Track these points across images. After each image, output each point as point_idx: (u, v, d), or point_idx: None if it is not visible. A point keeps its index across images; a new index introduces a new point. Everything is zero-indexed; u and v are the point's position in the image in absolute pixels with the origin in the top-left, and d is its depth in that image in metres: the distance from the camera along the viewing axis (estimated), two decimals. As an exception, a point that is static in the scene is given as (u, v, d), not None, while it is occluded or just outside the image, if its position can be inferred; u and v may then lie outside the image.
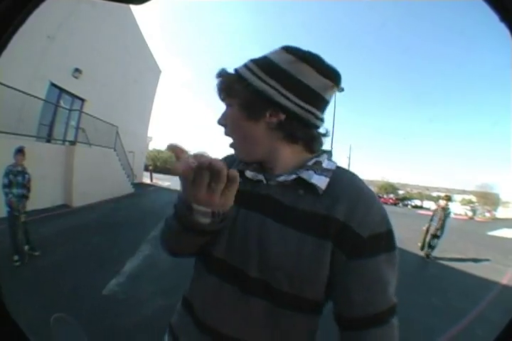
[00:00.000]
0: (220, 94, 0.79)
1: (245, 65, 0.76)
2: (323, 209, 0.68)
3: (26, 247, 4.53)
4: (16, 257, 4.24)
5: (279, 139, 0.76)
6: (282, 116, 0.71)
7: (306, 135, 0.76)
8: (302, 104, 0.71)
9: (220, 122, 0.80)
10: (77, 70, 10.61)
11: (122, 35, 13.77)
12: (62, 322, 1.04)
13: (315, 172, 0.71)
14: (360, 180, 0.75)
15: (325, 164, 0.75)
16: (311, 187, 0.70)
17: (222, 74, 0.78)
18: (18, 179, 4.38)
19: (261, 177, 0.77)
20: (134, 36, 15.52)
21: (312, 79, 0.70)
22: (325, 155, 0.78)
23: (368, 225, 0.66)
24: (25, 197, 4.48)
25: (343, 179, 0.73)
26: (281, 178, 0.73)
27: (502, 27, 0.39)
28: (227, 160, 0.91)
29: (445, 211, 7.91)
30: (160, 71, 20.99)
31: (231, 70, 0.77)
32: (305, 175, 0.71)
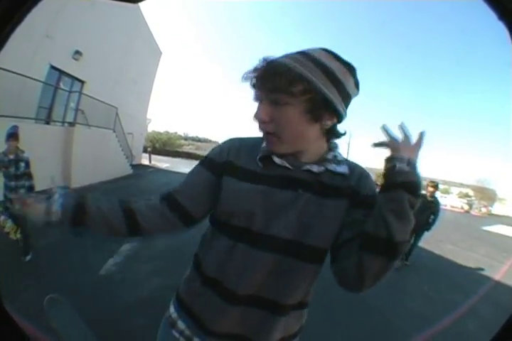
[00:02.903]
0: (271, 87, 0.78)
1: (303, 64, 0.78)
2: (343, 182, 0.89)
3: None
4: (28, 257, 3.84)
5: (323, 135, 0.90)
6: (335, 121, 0.86)
7: (341, 135, 0.95)
8: (345, 110, 0.86)
9: (263, 119, 0.82)
10: (77, 52, 10.45)
11: (123, 16, 13.49)
12: (56, 303, 1.06)
13: (336, 165, 0.90)
14: (359, 165, 0.98)
15: (339, 157, 0.93)
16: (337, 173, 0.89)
17: (275, 66, 0.78)
18: (11, 171, 3.72)
19: (286, 164, 0.87)
20: (134, 18, 15.23)
21: (352, 90, 0.85)
22: (337, 150, 0.95)
23: (365, 189, 0.90)
24: (24, 188, 3.82)
25: (353, 167, 0.94)
26: (314, 169, 0.87)
27: (500, 25, 0.40)
28: (227, 145, 0.98)
29: (432, 203, 5.81)
30: (161, 53, 20.74)
31: (281, 61, 0.78)
32: (331, 167, 0.88)
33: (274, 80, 0.76)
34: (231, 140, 1.00)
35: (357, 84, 0.86)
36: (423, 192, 6.22)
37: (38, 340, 2.25)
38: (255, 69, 0.80)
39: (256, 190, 0.86)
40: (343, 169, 0.89)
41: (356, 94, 0.87)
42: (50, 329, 0.95)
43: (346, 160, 0.95)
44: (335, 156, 0.91)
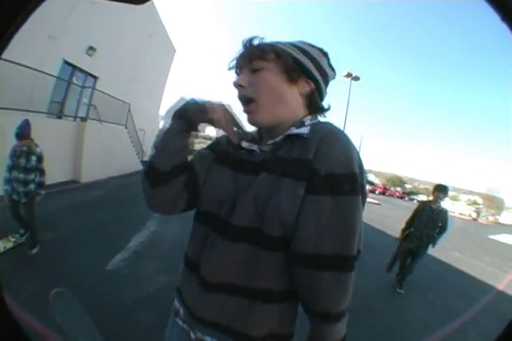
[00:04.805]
0: (247, 57, 0.87)
1: (278, 42, 0.89)
2: (302, 154, 0.76)
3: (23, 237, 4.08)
4: (35, 251, 3.88)
5: (304, 107, 0.91)
6: (313, 86, 0.89)
7: (322, 107, 0.94)
8: (323, 83, 0.91)
9: (240, 83, 0.87)
10: (91, 48, 10.59)
11: (137, 13, 13.55)
12: (62, 297, 1.07)
13: (296, 128, 0.83)
14: (334, 126, 0.82)
15: (307, 122, 0.86)
16: (297, 139, 0.80)
17: (254, 41, 0.88)
18: (21, 161, 3.68)
19: (255, 147, 0.89)
20: (149, 15, 15.33)
21: (327, 69, 0.92)
22: (309, 117, 0.89)
23: (326, 163, 0.72)
24: (33, 182, 3.81)
25: (320, 127, 0.82)
26: (271, 141, 0.86)
27: (503, 26, 0.40)
28: (214, 145, 1.05)
29: (435, 212, 4.55)
30: (175, 50, 20.87)
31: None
32: (288, 131, 0.83)
33: (250, 52, 0.86)
34: None
35: (331, 66, 0.93)
36: (426, 198, 5.41)
37: (41, 335, 2.30)
38: (238, 52, 0.91)
39: (227, 177, 0.88)
40: (302, 130, 0.81)
41: (332, 75, 0.95)
42: (55, 324, 0.96)
43: (322, 122, 0.88)
44: (303, 122, 0.87)
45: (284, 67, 0.84)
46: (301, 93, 0.88)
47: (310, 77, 0.87)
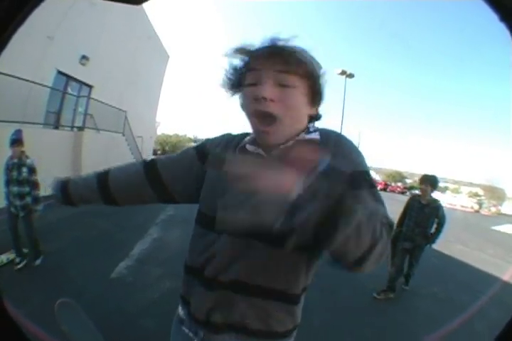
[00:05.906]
0: (277, 66, 0.76)
1: (303, 51, 0.80)
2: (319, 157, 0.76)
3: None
4: (17, 259, 3.81)
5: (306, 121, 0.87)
6: (319, 108, 0.89)
7: (321, 117, 0.92)
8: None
9: (271, 97, 0.76)
10: (84, 57, 10.55)
11: (129, 20, 13.58)
12: (67, 307, 1.07)
13: (306, 134, 0.85)
14: (337, 132, 0.90)
15: (311, 128, 0.87)
16: (308, 144, 0.82)
17: (283, 47, 0.76)
18: (13, 174, 3.66)
19: (260, 151, 0.85)
20: (141, 22, 15.34)
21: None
22: (310, 124, 0.89)
23: (350, 164, 0.78)
24: (28, 195, 3.74)
25: (326, 132, 0.88)
26: (282, 146, 0.82)
27: (502, 26, 0.40)
28: (211, 143, 1.03)
29: (427, 207, 3.92)
30: (168, 56, 20.90)
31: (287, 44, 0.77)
32: (299, 137, 0.83)
33: (283, 61, 0.75)
34: (226, 134, 1.04)
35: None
36: (416, 192, 5.00)
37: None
38: (257, 49, 0.79)
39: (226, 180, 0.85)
40: (313, 136, 0.85)
41: None
42: (60, 333, 0.95)
43: (322, 128, 0.91)
44: (307, 127, 0.87)
45: (310, 90, 0.80)
46: (309, 114, 0.86)
47: (322, 100, 0.87)
